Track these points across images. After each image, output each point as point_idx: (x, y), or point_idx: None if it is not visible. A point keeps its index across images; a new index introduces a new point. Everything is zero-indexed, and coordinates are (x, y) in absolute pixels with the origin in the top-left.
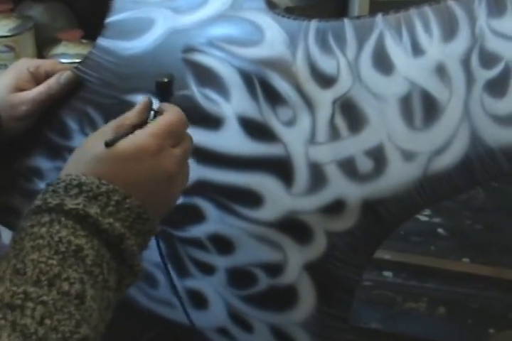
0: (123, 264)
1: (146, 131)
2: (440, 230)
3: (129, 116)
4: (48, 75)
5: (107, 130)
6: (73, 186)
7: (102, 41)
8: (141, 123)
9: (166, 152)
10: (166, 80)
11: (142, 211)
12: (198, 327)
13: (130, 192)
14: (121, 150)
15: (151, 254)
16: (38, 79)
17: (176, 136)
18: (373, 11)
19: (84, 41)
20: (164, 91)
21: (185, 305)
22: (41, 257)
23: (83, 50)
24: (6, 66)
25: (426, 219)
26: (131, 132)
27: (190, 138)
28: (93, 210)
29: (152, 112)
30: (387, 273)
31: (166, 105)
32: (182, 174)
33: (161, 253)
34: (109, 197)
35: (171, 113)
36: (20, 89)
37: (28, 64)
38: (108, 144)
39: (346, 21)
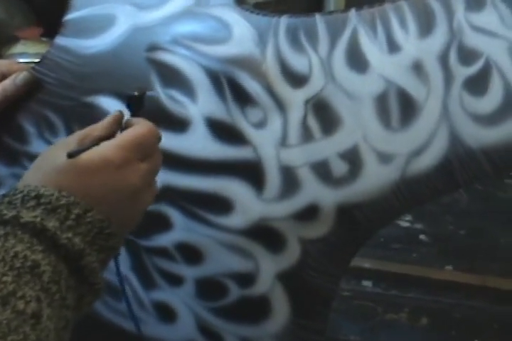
0: (83, 282)
1: (112, 142)
2: (422, 236)
3: (97, 128)
4: (3, 76)
5: (71, 140)
6: (31, 197)
7: (60, 40)
8: (109, 136)
9: (132, 165)
10: (136, 94)
11: (105, 225)
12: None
13: (92, 205)
14: (84, 161)
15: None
16: None
17: (144, 149)
18: (349, 4)
19: (44, 39)
20: (135, 104)
21: (153, 318)
22: None
23: (43, 48)
24: None
25: (407, 224)
26: (97, 144)
27: (160, 154)
28: (51, 224)
29: (122, 125)
30: (367, 283)
31: (136, 119)
32: (149, 189)
33: (117, 268)
34: (69, 210)
35: (141, 126)
36: None
37: None
38: (71, 155)
39: (318, 17)
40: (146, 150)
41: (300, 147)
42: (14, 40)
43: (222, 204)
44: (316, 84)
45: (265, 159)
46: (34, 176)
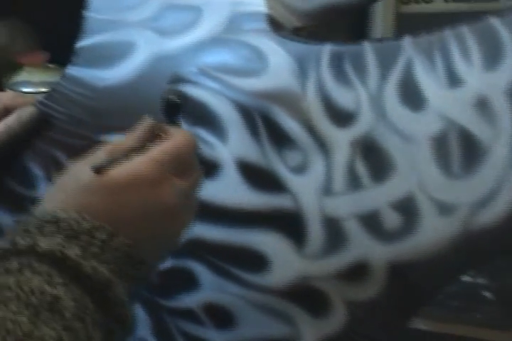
0: (110, 316)
1: (145, 156)
2: (486, 293)
3: (127, 140)
4: (6, 111)
5: (98, 154)
6: (49, 223)
7: (71, 70)
8: (141, 148)
9: (168, 182)
10: (174, 99)
11: (134, 252)
12: None
13: (119, 229)
14: (112, 177)
15: None
16: None
17: (182, 163)
18: (399, 25)
19: (50, 66)
20: (171, 111)
21: None
22: (8, 313)
23: (49, 76)
24: None
25: (468, 279)
26: (128, 157)
27: (199, 167)
28: (73, 251)
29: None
30: None
31: (172, 128)
32: (186, 210)
33: None
34: (92, 235)
35: (179, 136)
36: None
37: None
38: (97, 170)
39: (367, 45)
40: (185, 165)
41: (346, 196)
42: (17, 66)
43: (256, 261)
44: (364, 123)
45: (306, 209)
46: (54, 198)
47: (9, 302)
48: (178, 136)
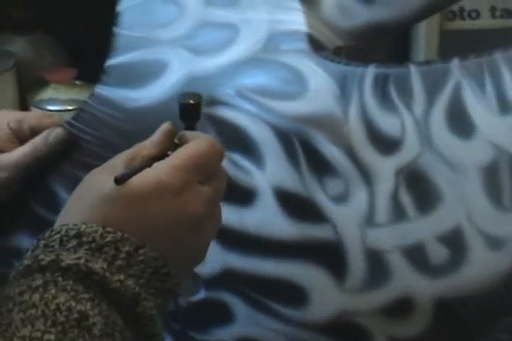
0: (138, 333)
1: (167, 163)
2: None
3: (146, 146)
4: (33, 132)
5: (117, 163)
6: (71, 237)
7: (101, 89)
8: (161, 156)
9: (193, 190)
10: (192, 102)
11: (161, 264)
12: None
13: (145, 240)
14: (135, 187)
15: None
16: (20, 137)
17: (205, 169)
18: (444, 43)
19: (78, 83)
20: (191, 115)
21: None
22: (34, 332)
23: (77, 94)
24: None
25: None
26: (149, 165)
27: (225, 173)
28: (98, 265)
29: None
30: None
31: (192, 133)
32: (212, 218)
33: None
34: (117, 248)
35: (200, 140)
36: None
37: (7, 117)
38: (119, 180)
39: (413, 67)
40: (208, 171)
41: (390, 227)
42: (43, 83)
43: (294, 294)
44: (409, 150)
45: (347, 240)
46: (73, 210)
47: (35, 321)
48: (199, 140)
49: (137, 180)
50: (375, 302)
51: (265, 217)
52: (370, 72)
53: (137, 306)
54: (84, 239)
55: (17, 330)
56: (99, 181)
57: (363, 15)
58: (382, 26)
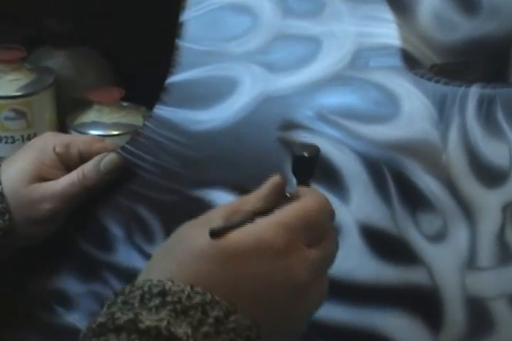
0: None
1: (272, 219)
2: None
3: (250, 200)
4: (82, 158)
5: (215, 216)
6: (153, 295)
7: (160, 110)
8: (266, 211)
9: (298, 252)
10: (306, 155)
11: (254, 335)
12: None
13: (237, 305)
14: (232, 243)
15: None
16: (68, 163)
17: (314, 230)
18: None
19: (125, 104)
20: (304, 169)
21: None
22: None
23: (123, 117)
24: (13, 139)
25: None
26: (251, 221)
27: (336, 237)
28: (182, 330)
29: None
30: None
31: (304, 189)
32: (319, 286)
33: None
34: (205, 311)
35: (311, 198)
36: (43, 179)
37: (53, 141)
38: (215, 233)
39: None
40: (317, 232)
41: (495, 271)
42: (85, 104)
43: None
44: None
45: (444, 286)
46: (160, 266)
47: None
48: (310, 197)
49: (236, 236)
50: None
51: (350, 258)
52: (474, 92)
53: None
54: (169, 298)
55: None
56: (193, 235)
57: (465, 28)
58: (487, 41)
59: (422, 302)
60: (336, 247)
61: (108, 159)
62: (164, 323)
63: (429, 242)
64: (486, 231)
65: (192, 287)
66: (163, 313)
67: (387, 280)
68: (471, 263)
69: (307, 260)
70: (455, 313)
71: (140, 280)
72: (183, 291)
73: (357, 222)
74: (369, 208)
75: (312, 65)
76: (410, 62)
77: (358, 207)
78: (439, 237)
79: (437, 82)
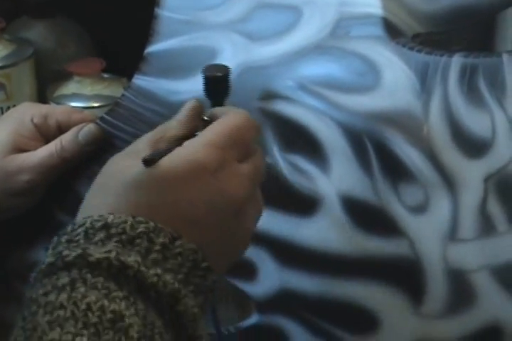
0: (180, 335)
1: (199, 140)
2: None
3: (171, 127)
4: (60, 129)
5: (139, 148)
6: (97, 230)
7: (139, 80)
8: (189, 136)
9: (231, 168)
10: (219, 74)
11: (200, 257)
12: None
13: (181, 230)
14: (166, 168)
15: None
16: (46, 134)
17: (243, 145)
18: None
19: (105, 76)
20: (218, 89)
21: None
22: (64, 335)
23: (105, 89)
24: None
25: None
26: (179, 145)
27: (262, 152)
28: (131, 258)
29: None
30: None
31: (222, 108)
32: (254, 201)
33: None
34: (150, 239)
35: (232, 115)
36: (21, 150)
37: (31, 111)
38: (148, 162)
39: (506, 57)
40: (246, 147)
41: (477, 243)
42: (65, 76)
43: (362, 319)
44: (501, 154)
45: (426, 258)
46: (97, 201)
47: (65, 323)
48: (231, 115)
49: (168, 161)
50: (457, 330)
51: (330, 230)
52: (456, 61)
53: (178, 304)
54: (113, 230)
55: (44, 334)
56: (123, 167)
57: None
58: (470, 10)
59: (404, 274)
60: (263, 161)
61: (87, 130)
62: (113, 254)
63: (411, 214)
64: (467, 203)
65: (134, 217)
66: (110, 245)
67: (368, 251)
68: (452, 234)
69: (241, 175)
70: (436, 285)
71: (80, 218)
72: (125, 222)
73: (337, 193)
74: (350, 179)
75: (293, 35)
76: (392, 31)
77: (339, 178)
78: (420, 209)
79: (419, 51)
